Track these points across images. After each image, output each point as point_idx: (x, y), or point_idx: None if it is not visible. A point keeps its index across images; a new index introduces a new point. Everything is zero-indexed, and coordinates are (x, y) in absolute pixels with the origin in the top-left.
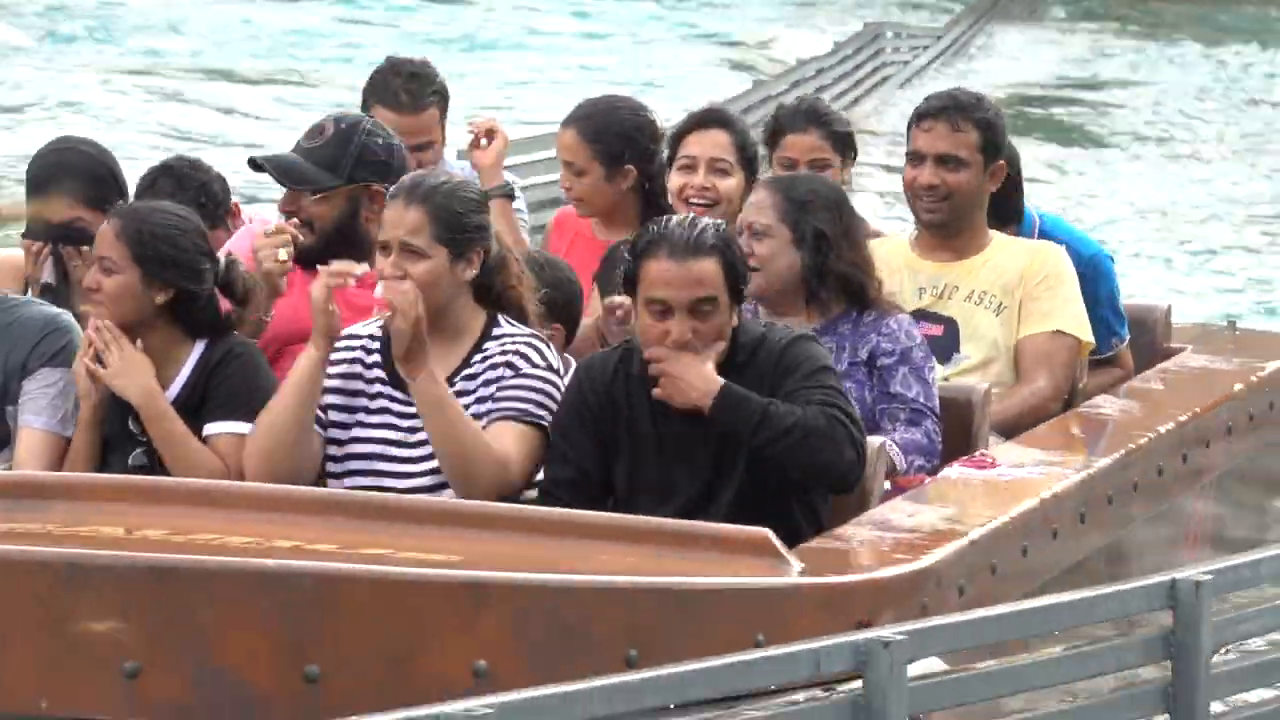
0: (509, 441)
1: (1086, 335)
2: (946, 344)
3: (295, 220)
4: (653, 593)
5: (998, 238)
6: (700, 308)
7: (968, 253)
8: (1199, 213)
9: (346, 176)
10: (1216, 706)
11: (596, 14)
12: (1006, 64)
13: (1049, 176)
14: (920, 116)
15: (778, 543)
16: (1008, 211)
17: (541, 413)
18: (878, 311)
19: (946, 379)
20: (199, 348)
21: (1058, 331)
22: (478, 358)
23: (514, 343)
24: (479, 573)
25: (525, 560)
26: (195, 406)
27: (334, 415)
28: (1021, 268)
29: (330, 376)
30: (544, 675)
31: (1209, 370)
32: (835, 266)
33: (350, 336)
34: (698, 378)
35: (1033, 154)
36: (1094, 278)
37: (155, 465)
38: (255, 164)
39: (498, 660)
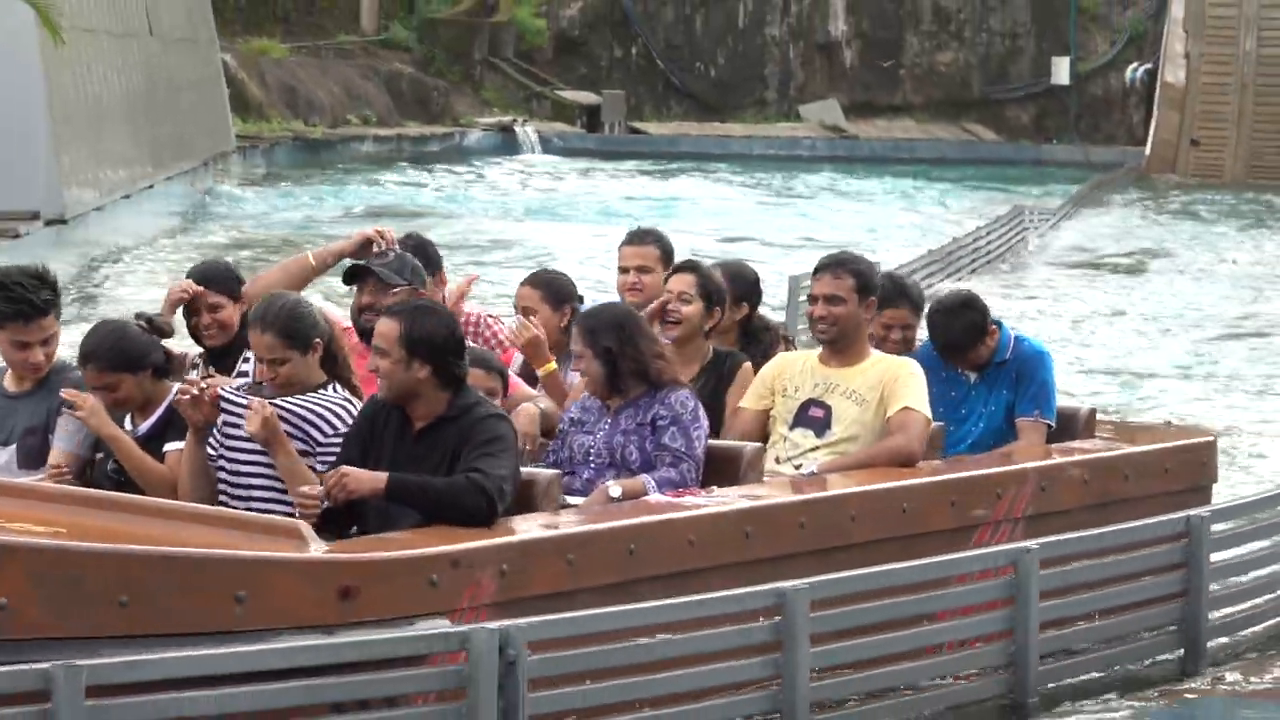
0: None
1: (928, 413)
2: (825, 422)
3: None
4: (142, 557)
5: (874, 354)
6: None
7: (849, 363)
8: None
9: (406, 279)
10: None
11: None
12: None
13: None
14: (815, 270)
15: (306, 531)
16: (980, 344)
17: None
18: (665, 388)
19: (817, 447)
20: (172, 393)
21: (906, 408)
22: (306, 402)
23: (329, 403)
24: (7, 537)
25: (112, 533)
26: (162, 431)
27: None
28: (882, 373)
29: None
30: (52, 613)
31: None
32: (624, 366)
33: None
34: (366, 479)
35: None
36: (1035, 370)
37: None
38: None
39: (16, 601)
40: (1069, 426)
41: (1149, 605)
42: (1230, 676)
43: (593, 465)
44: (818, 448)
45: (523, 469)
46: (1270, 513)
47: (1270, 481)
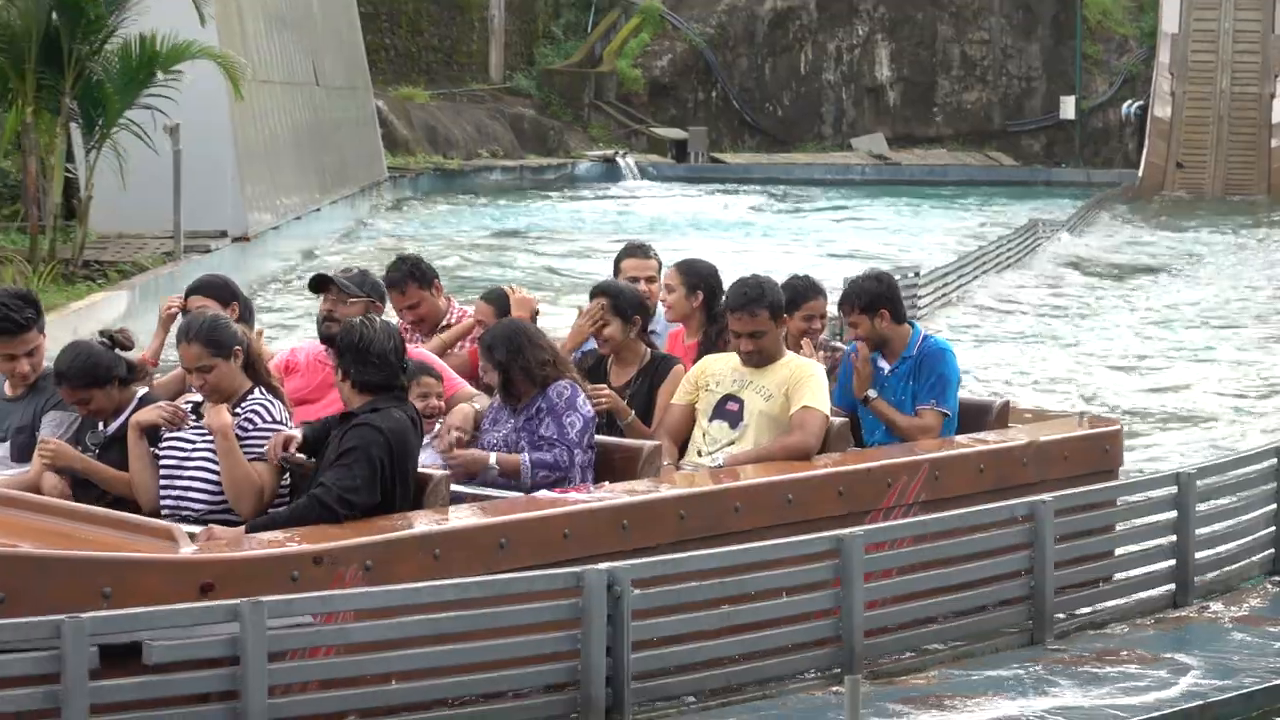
0: (263, 471)
1: (826, 410)
2: (738, 415)
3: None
4: (16, 558)
5: (787, 356)
6: None
7: (764, 365)
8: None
9: (365, 292)
10: None
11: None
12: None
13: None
14: (731, 309)
15: (178, 532)
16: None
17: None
18: (551, 386)
19: (732, 441)
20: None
21: (806, 407)
22: (239, 409)
23: (256, 403)
24: None
25: (19, 529)
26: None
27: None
28: (789, 374)
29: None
30: None
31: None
32: (515, 374)
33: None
34: (231, 533)
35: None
36: (935, 364)
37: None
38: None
39: None
40: (981, 417)
41: (1146, 556)
42: (1215, 606)
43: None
44: (733, 441)
45: (420, 469)
46: (1239, 472)
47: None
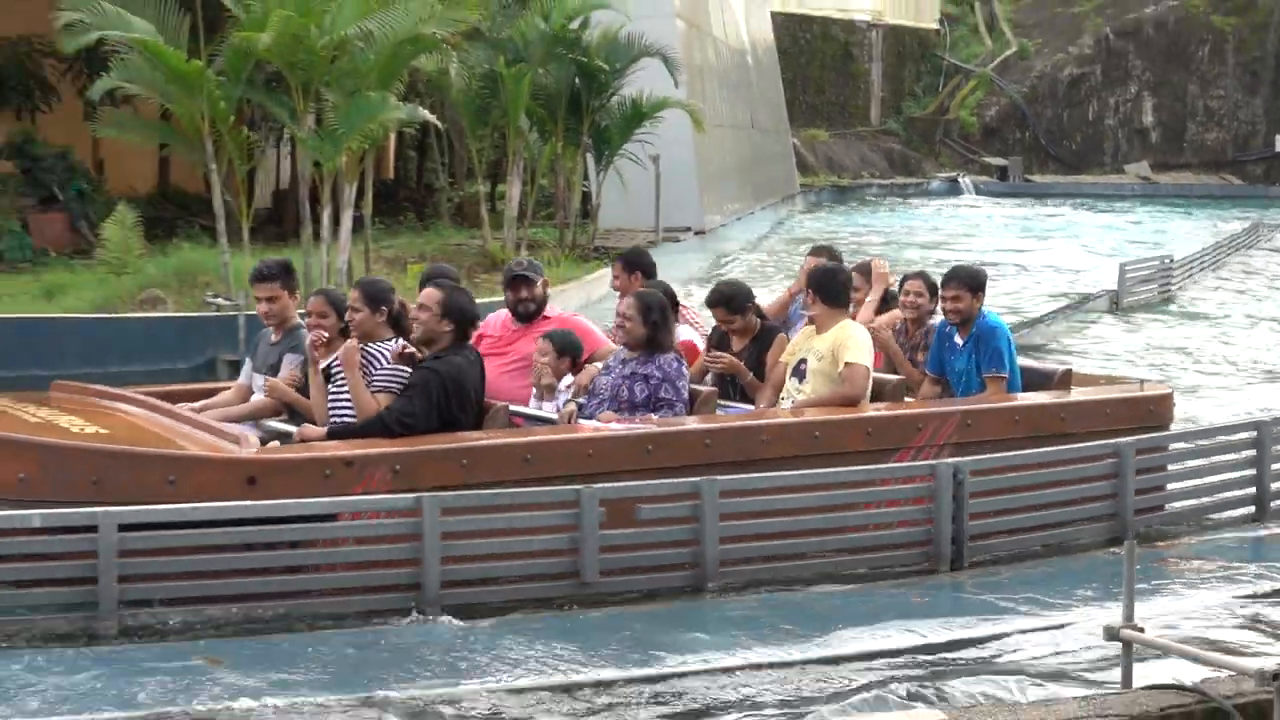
0: (382, 400)
1: (866, 364)
2: (803, 373)
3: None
4: (110, 453)
5: (843, 324)
6: None
7: (820, 332)
8: None
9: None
10: None
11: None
12: None
13: None
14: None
15: (245, 438)
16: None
17: (392, 385)
18: (664, 354)
19: (800, 390)
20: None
21: (849, 363)
22: (370, 349)
23: (384, 348)
24: (26, 437)
25: (139, 431)
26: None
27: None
28: (835, 337)
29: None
30: (51, 487)
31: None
32: (654, 335)
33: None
34: (314, 433)
35: None
36: (989, 339)
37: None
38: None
39: (32, 477)
40: (1045, 381)
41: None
42: None
43: (598, 398)
44: (801, 392)
45: (489, 401)
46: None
47: None
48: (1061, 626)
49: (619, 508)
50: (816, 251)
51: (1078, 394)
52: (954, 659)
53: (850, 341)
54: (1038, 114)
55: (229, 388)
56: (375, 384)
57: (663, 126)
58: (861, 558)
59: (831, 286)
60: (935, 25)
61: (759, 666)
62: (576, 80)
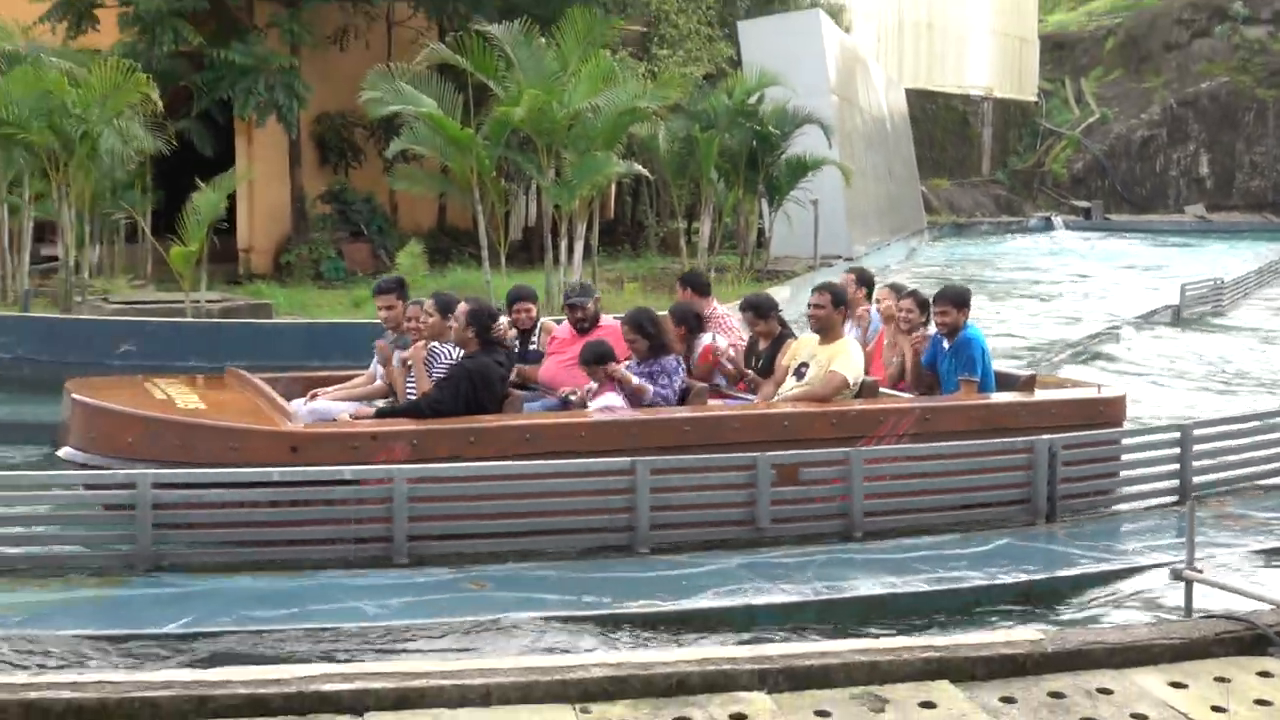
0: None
1: (850, 375)
2: (803, 375)
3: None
4: (187, 424)
5: (843, 340)
6: None
7: (824, 344)
8: None
9: (592, 295)
10: None
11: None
12: None
13: None
14: (813, 290)
15: (295, 415)
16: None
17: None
18: (666, 356)
19: (795, 387)
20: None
21: (830, 370)
22: (435, 347)
23: (444, 348)
24: (118, 406)
25: (225, 405)
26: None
27: None
28: (831, 349)
29: None
30: (150, 448)
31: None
32: (653, 343)
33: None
34: (367, 413)
35: None
36: (964, 347)
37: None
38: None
39: (136, 441)
40: (1011, 384)
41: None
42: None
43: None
44: (795, 387)
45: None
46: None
47: None
48: (1138, 568)
49: (785, 470)
50: (855, 272)
51: (1039, 395)
52: (1050, 592)
53: (843, 355)
54: (1115, 166)
55: (361, 375)
56: (437, 376)
57: (820, 177)
58: (976, 511)
59: (842, 303)
60: (1034, 98)
61: (898, 595)
62: (754, 142)
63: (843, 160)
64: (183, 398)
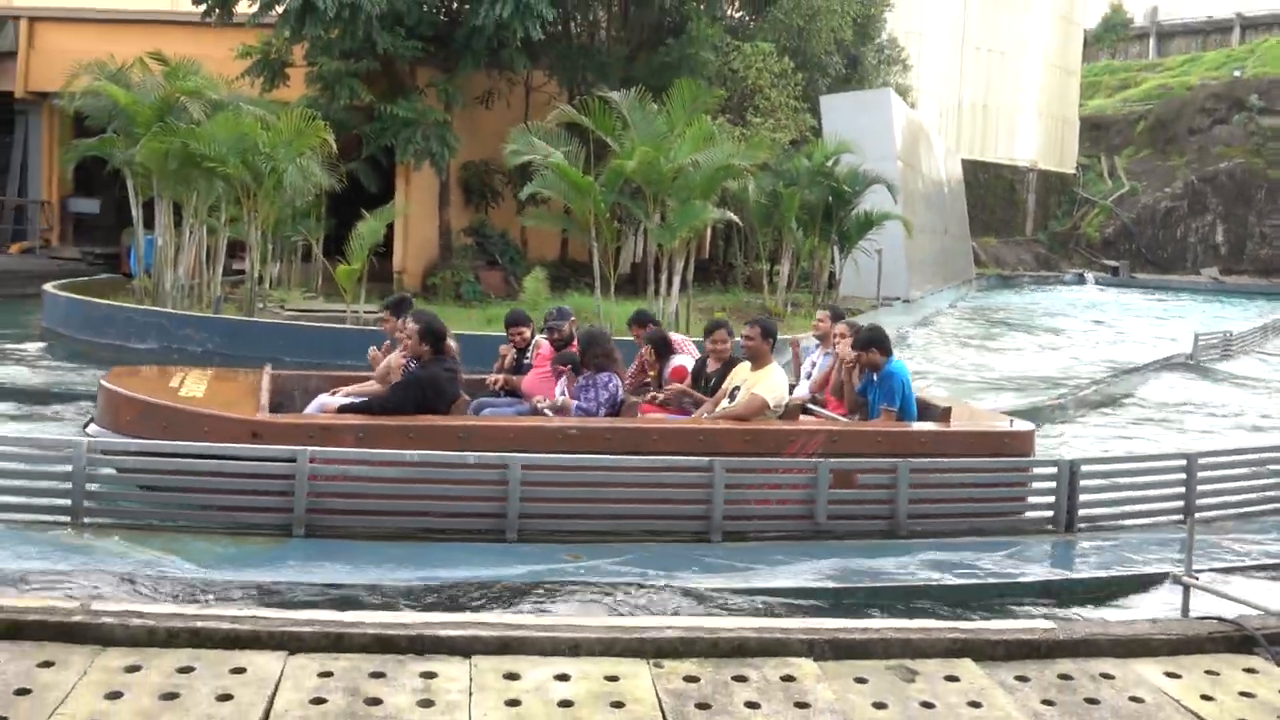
0: None
1: (770, 399)
2: (733, 394)
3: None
4: (171, 409)
5: (770, 367)
6: None
7: (754, 370)
8: None
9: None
10: None
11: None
12: None
13: None
14: (746, 324)
15: (263, 408)
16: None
17: None
18: (605, 373)
19: (730, 403)
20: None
21: (751, 393)
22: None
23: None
24: (155, 398)
25: (213, 395)
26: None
27: None
28: (760, 375)
29: None
30: (147, 429)
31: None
32: (589, 363)
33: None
34: (333, 406)
35: None
36: (887, 380)
37: None
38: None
39: (142, 421)
40: (930, 414)
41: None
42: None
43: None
44: (724, 408)
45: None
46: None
47: None
48: (1142, 573)
49: (841, 475)
50: (830, 309)
51: (953, 425)
52: (1064, 591)
53: (765, 380)
54: (1141, 232)
55: (371, 378)
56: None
57: (885, 230)
58: (998, 519)
59: (771, 335)
60: (1073, 170)
61: (929, 586)
62: (829, 198)
63: (905, 216)
64: (189, 388)
